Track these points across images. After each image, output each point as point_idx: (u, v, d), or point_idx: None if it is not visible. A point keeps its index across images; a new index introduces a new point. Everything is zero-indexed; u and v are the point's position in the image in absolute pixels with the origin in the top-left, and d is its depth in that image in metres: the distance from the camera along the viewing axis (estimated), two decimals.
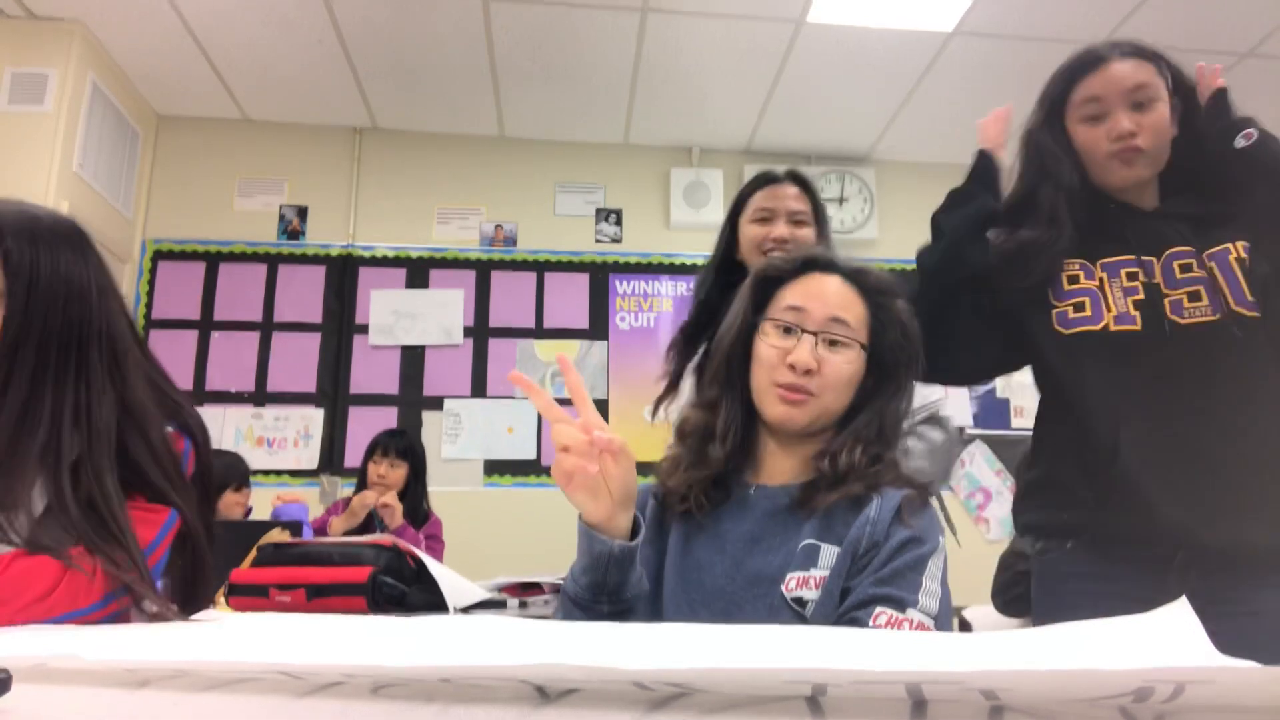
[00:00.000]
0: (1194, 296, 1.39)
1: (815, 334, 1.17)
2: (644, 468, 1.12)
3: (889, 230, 4.33)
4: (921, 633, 0.95)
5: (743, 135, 4.33)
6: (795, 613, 1.07)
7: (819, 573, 1.08)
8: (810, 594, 1.07)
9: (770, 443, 1.23)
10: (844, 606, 1.05)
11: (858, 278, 1.24)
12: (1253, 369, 1.37)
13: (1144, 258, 1.44)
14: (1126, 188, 1.50)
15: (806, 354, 1.16)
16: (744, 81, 3.89)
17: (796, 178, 1.94)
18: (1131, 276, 1.44)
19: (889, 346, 1.21)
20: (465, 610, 1.53)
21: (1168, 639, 0.54)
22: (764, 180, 1.93)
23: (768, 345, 1.20)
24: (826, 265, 1.25)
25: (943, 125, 4.17)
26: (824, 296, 1.21)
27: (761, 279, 1.27)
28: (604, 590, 1.07)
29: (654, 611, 1.16)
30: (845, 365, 1.18)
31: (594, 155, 4.40)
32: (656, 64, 3.75)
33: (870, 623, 1.01)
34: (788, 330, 1.19)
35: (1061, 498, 1.47)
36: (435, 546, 3.08)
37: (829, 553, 1.10)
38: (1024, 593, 1.84)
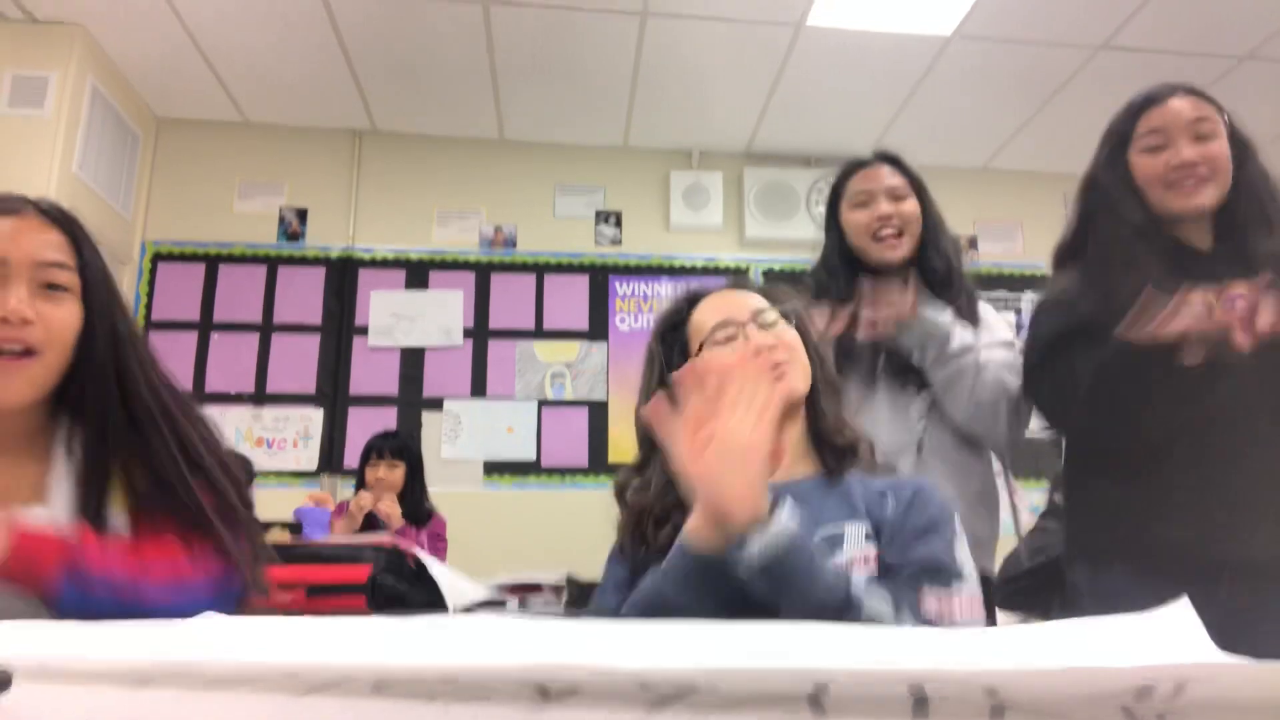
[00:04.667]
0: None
1: (751, 321, 1.20)
2: None
3: None
4: (924, 630, 0.95)
5: (742, 138, 4.33)
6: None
7: (845, 556, 1.04)
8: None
9: None
10: (889, 583, 1.00)
11: (740, 285, 1.29)
12: None
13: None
14: (1186, 220, 1.51)
15: (759, 336, 1.18)
16: (744, 84, 3.89)
17: (886, 157, 1.92)
18: None
19: (805, 328, 1.24)
20: (465, 610, 1.53)
21: (1169, 637, 0.54)
22: (854, 167, 1.92)
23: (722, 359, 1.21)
24: (708, 290, 1.29)
25: (942, 128, 4.17)
26: (736, 303, 1.24)
27: (662, 333, 1.29)
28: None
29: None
30: (787, 332, 1.21)
31: (594, 157, 4.41)
32: (656, 66, 3.76)
33: (920, 605, 0.97)
34: (728, 339, 1.20)
35: (1109, 518, 1.50)
36: (439, 546, 3.07)
37: (855, 530, 1.06)
38: (1025, 588, 1.85)
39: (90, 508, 1.05)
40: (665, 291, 4.29)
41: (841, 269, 1.84)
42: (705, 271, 4.30)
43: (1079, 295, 1.53)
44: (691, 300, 1.30)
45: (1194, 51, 3.54)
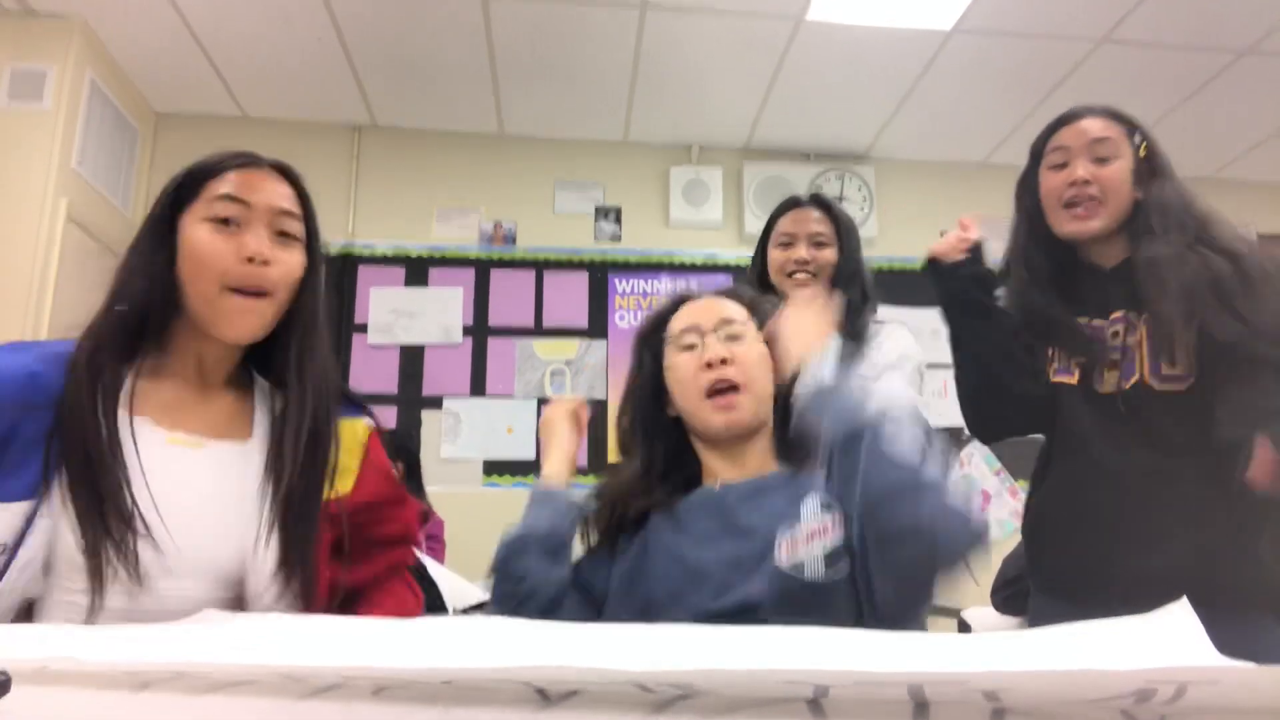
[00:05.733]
0: (1111, 366, 1.49)
1: (714, 332, 1.26)
2: None
3: (888, 228, 4.33)
4: (923, 634, 0.95)
5: (742, 133, 4.33)
6: (797, 580, 1.05)
7: (804, 527, 1.08)
8: (804, 553, 1.06)
9: (715, 460, 1.27)
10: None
11: (730, 294, 1.35)
12: (1163, 435, 1.43)
13: (1094, 321, 1.53)
14: (1080, 242, 1.57)
15: (716, 347, 1.24)
16: (743, 79, 3.88)
17: (819, 201, 2.01)
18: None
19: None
20: (465, 611, 1.54)
21: (1169, 639, 0.54)
22: (788, 205, 2.01)
23: (680, 365, 1.27)
24: (698, 294, 1.36)
25: (942, 124, 4.16)
26: (708, 309, 1.30)
27: (643, 335, 1.37)
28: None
29: (642, 605, 1.17)
30: (751, 350, 1.25)
31: (593, 153, 4.40)
32: (656, 61, 3.75)
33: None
34: (689, 347, 1.27)
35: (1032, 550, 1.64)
36: (436, 548, 3.06)
37: (811, 504, 1.10)
38: (1024, 590, 1.86)
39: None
40: (665, 288, 4.28)
41: None
42: (705, 268, 4.30)
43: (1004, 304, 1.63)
44: (677, 302, 1.35)
45: (1194, 46, 3.53)
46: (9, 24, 3.43)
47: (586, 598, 1.22)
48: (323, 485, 1.14)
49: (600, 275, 4.28)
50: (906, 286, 4.56)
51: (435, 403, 4.06)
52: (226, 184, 1.10)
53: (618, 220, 4.36)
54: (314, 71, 3.83)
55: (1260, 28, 3.42)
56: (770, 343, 1.28)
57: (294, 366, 1.15)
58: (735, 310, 1.30)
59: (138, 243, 1.12)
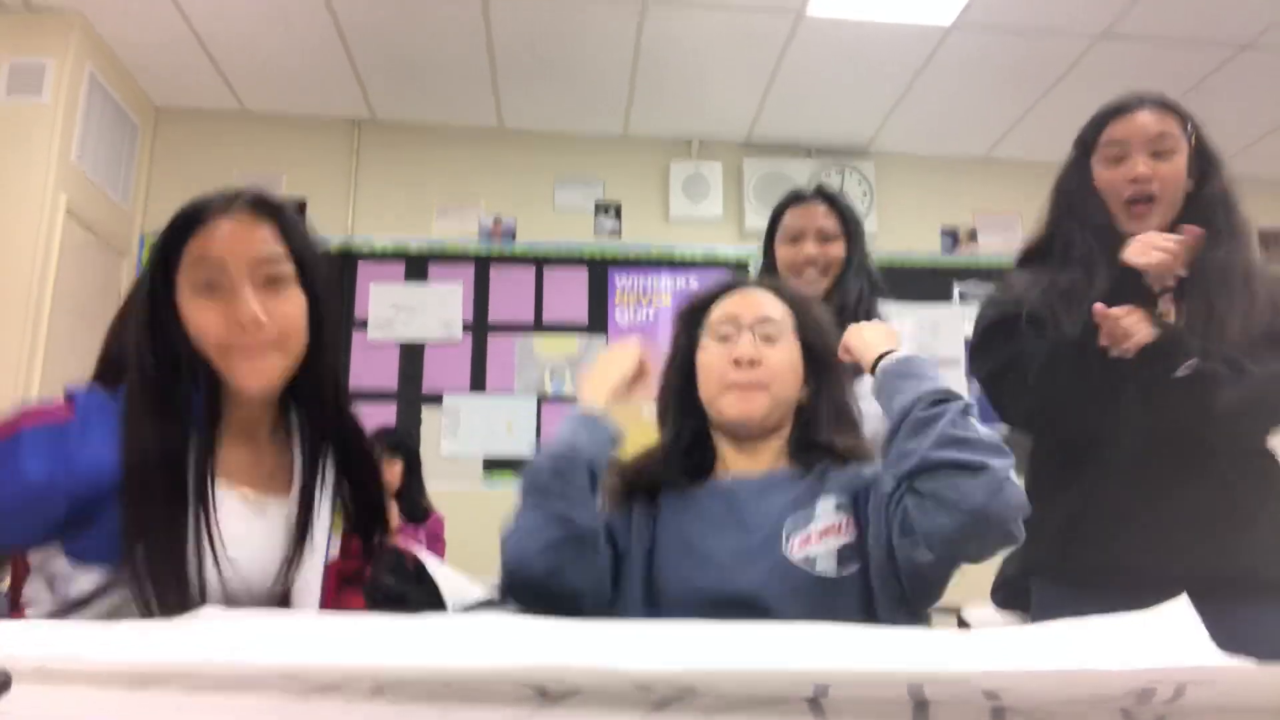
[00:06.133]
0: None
1: (751, 329, 1.26)
2: None
3: (889, 223, 4.32)
4: (923, 631, 0.96)
5: (742, 128, 4.32)
6: (807, 574, 1.11)
7: (818, 525, 1.14)
8: (815, 549, 1.12)
9: (730, 452, 1.29)
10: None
11: (776, 289, 1.35)
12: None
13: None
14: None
15: (748, 346, 1.25)
16: (743, 74, 3.88)
17: (824, 194, 1.97)
18: None
19: (817, 343, 1.31)
20: (465, 610, 1.53)
21: (1169, 638, 0.54)
22: (792, 199, 1.97)
23: (710, 354, 1.28)
24: (746, 284, 1.36)
25: (942, 119, 4.16)
26: (751, 303, 1.30)
27: (689, 310, 1.37)
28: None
29: (647, 594, 1.19)
30: (783, 354, 1.26)
31: (593, 148, 4.39)
32: (656, 56, 3.74)
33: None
34: (725, 338, 1.27)
35: (1049, 528, 1.56)
36: (436, 547, 3.06)
37: (826, 503, 1.16)
38: (1024, 587, 1.85)
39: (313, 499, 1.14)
40: (665, 284, 4.27)
41: None
42: (705, 264, 4.29)
43: (1030, 285, 1.58)
44: (723, 289, 1.35)
45: (1193, 41, 3.52)
46: (8, 18, 3.42)
47: (612, 547, 1.23)
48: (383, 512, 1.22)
49: (600, 271, 4.27)
50: (907, 281, 4.58)
51: (435, 399, 4.05)
52: (202, 243, 1.06)
53: (617, 216, 4.35)
54: (313, 66, 3.82)
55: (1259, 23, 3.41)
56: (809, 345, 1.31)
57: (316, 405, 1.16)
58: (775, 309, 1.30)
59: (135, 312, 1.09)
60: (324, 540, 1.15)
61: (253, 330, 1.03)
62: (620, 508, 1.26)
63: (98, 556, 0.98)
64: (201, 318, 1.04)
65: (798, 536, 1.13)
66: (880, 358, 1.26)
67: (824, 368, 1.30)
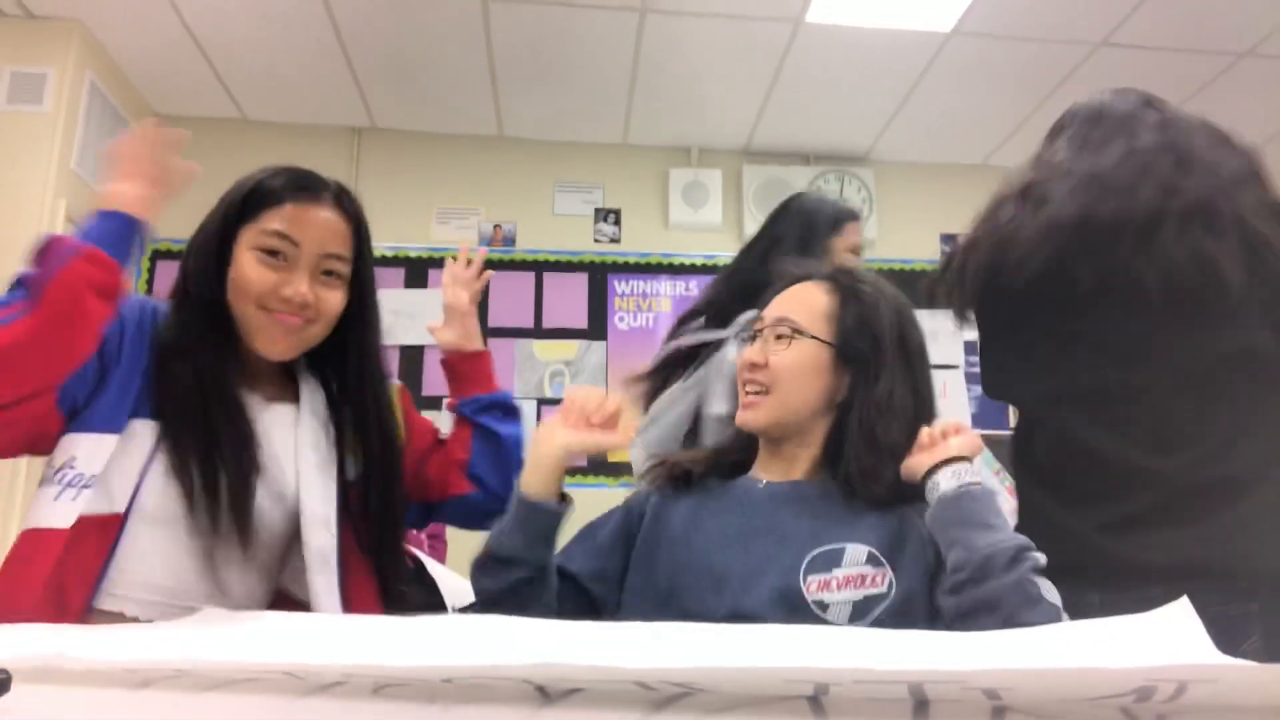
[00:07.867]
0: None
1: (769, 327, 1.24)
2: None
3: (888, 230, 4.32)
4: (923, 632, 0.95)
5: (741, 135, 4.32)
6: (817, 617, 1.06)
7: (842, 573, 1.08)
8: (831, 596, 1.07)
9: (764, 455, 1.27)
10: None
11: (832, 276, 1.29)
12: None
13: None
14: None
15: (756, 348, 1.23)
16: (743, 81, 3.88)
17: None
18: None
19: (851, 338, 1.22)
20: (465, 610, 1.53)
21: (1169, 638, 0.54)
22: (854, 215, 2.12)
23: (741, 355, 1.28)
24: (801, 277, 1.30)
25: (941, 126, 4.16)
26: (779, 302, 1.27)
27: (741, 292, 1.42)
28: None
29: (662, 596, 1.16)
30: (793, 354, 1.21)
31: (593, 155, 4.39)
32: (655, 64, 3.75)
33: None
34: (753, 338, 1.27)
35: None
36: (438, 547, 3.05)
37: (857, 551, 1.09)
38: None
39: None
40: (664, 290, 4.28)
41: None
42: (705, 270, 4.29)
43: None
44: (786, 280, 1.32)
45: (1192, 49, 3.53)
46: (9, 26, 3.43)
47: (627, 536, 1.25)
48: (400, 473, 1.30)
49: (600, 277, 4.28)
50: (906, 288, 4.57)
51: (435, 404, 4.04)
52: (281, 218, 1.16)
53: (617, 222, 4.36)
54: (314, 74, 3.83)
55: (1258, 31, 3.42)
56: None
57: (354, 375, 1.27)
58: (796, 308, 1.24)
59: (200, 245, 1.22)
60: (325, 458, 1.22)
61: (296, 307, 1.14)
62: (663, 491, 1.28)
63: (104, 424, 1.07)
64: (254, 272, 1.14)
65: (817, 578, 1.08)
66: (943, 464, 1.11)
67: (857, 369, 1.21)
